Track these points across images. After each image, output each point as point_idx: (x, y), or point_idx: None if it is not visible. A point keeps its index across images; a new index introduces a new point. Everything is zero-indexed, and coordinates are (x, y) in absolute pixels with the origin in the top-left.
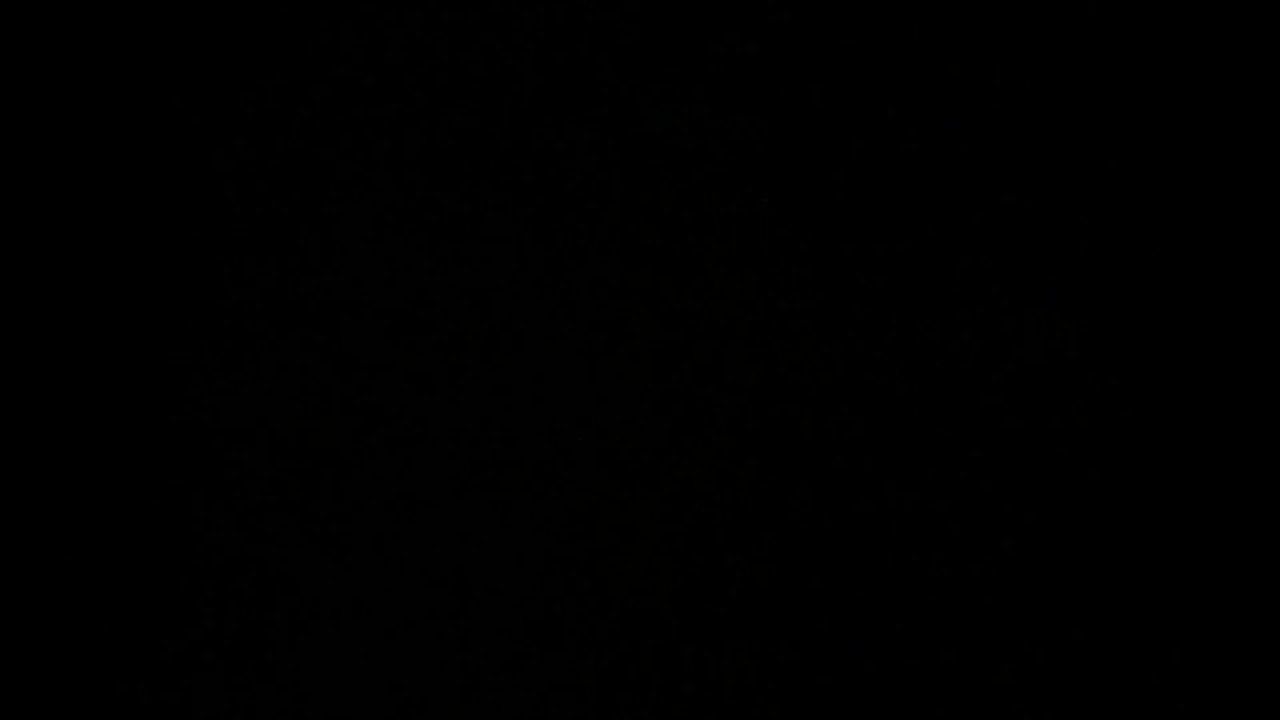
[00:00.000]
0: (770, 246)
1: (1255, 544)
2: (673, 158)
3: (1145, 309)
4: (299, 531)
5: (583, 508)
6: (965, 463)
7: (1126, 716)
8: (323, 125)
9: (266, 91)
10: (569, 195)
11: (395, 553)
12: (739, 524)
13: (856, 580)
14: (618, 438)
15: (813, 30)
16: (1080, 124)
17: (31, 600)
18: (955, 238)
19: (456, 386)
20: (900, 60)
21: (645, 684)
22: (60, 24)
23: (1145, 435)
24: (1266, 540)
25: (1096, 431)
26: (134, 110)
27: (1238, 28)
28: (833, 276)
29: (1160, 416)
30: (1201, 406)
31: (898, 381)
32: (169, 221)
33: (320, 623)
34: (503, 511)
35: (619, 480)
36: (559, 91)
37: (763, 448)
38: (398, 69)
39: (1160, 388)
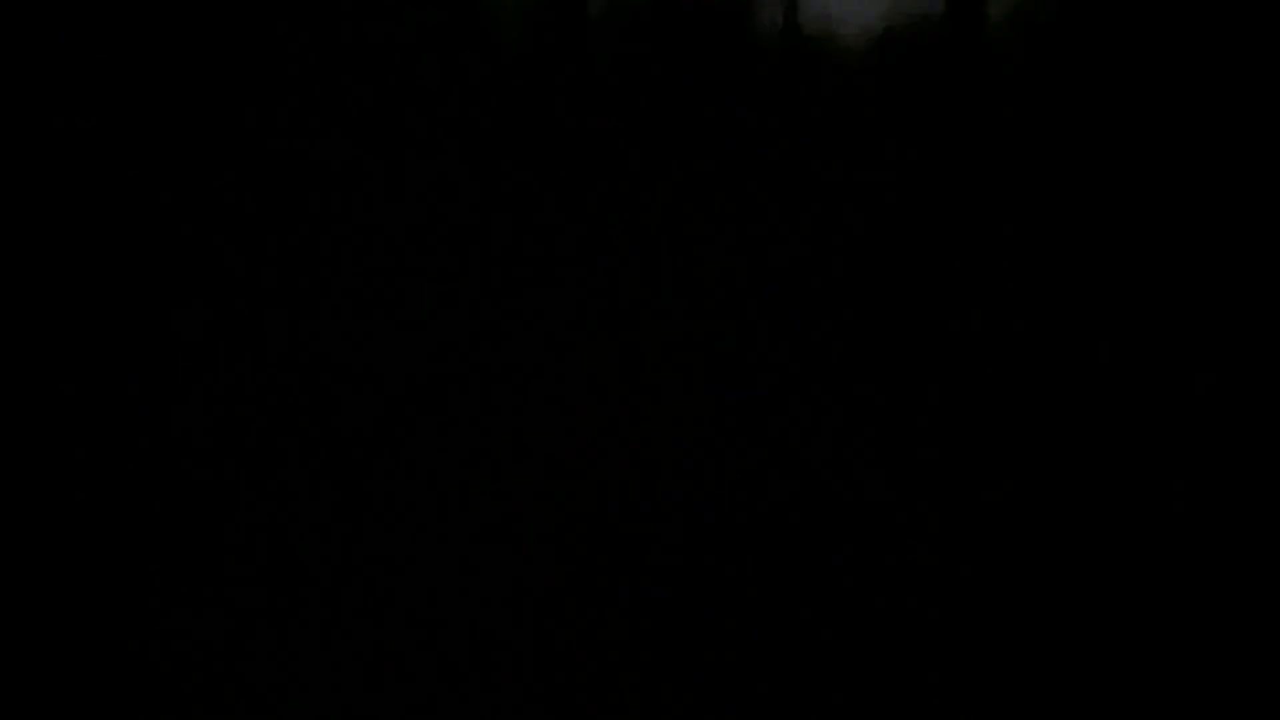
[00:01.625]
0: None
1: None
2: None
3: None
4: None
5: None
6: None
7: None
8: (318, 125)
9: (264, 91)
10: (563, 195)
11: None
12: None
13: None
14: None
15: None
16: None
17: (31, 600)
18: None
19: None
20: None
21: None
22: (60, 24)
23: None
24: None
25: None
26: (134, 110)
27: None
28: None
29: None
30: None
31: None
32: (167, 221)
33: (318, 621)
34: (497, 510)
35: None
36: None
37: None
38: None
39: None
